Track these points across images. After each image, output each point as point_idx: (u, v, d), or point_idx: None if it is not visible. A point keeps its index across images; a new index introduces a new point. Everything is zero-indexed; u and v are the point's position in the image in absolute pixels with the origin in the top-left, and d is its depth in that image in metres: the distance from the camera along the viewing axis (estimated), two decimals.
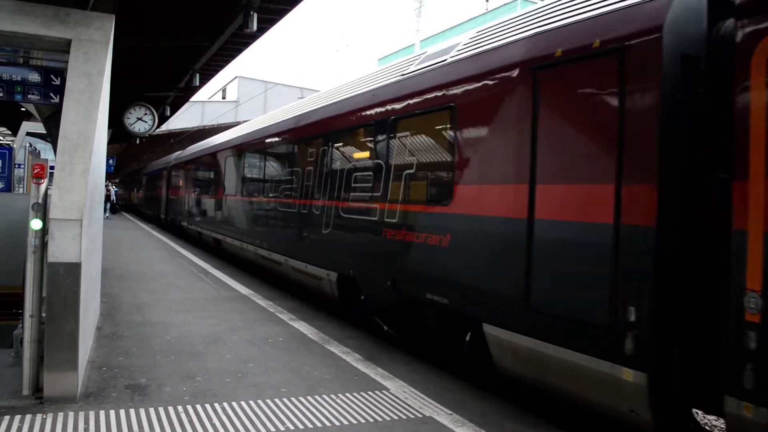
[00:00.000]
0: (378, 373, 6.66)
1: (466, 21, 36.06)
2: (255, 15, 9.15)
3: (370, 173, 8.31)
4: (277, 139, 12.53)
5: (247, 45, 12.23)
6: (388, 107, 7.99)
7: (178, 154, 28.39)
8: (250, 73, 74.36)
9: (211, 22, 10.55)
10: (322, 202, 9.70)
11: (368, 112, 8.51)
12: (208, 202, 19.15)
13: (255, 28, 9.33)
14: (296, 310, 10.13)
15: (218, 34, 10.77)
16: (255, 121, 16.95)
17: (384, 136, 7.99)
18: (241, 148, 15.36)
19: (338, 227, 9.13)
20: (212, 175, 19.21)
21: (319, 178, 9.98)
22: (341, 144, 9.53)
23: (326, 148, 9.82)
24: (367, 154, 8.57)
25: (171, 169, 27.95)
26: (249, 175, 14.72)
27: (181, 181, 25.16)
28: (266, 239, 12.60)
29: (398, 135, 7.75)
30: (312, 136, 10.55)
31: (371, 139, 8.40)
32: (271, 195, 12.49)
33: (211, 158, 19.03)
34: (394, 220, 7.51)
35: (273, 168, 12.95)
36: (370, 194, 8.21)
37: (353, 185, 8.78)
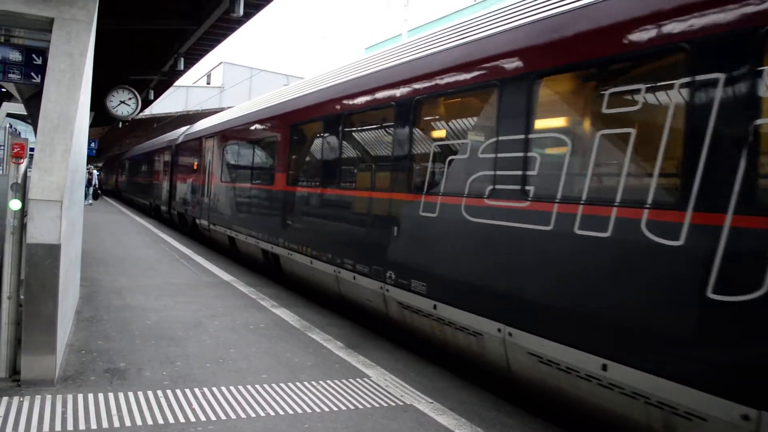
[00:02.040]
0: (359, 361, 6.67)
1: (454, 12, 36.00)
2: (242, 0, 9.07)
3: None
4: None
5: (233, 30, 12.12)
6: None
7: (186, 129, 22.50)
8: (235, 59, 73.97)
9: (197, 5, 10.44)
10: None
11: None
12: (258, 196, 12.48)
13: (241, 13, 9.25)
14: (278, 297, 10.10)
15: (204, 17, 10.65)
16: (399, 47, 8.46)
17: None
18: (368, 107, 8.28)
19: None
20: (266, 155, 12.48)
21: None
22: None
23: None
24: None
25: (179, 147, 21.66)
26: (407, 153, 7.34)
27: (197, 163, 18.33)
28: (434, 277, 6.56)
29: None
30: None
31: None
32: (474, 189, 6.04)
33: (263, 128, 12.54)
34: None
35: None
36: None
37: None
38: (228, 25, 11.65)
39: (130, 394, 5.18)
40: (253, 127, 13.19)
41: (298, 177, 10.72)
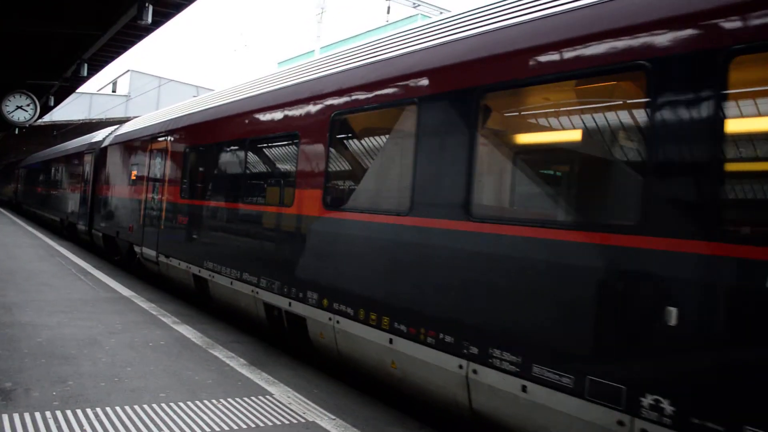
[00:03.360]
0: (262, 378, 6.58)
1: (366, 31, 36.50)
2: (150, 7, 8.83)
3: None
4: None
5: (140, 38, 11.80)
6: None
7: (116, 129, 18.16)
8: (143, 67, 71.78)
9: (103, 10, 10.08)
10: None
11: None
12: (261, 222, 8.38)
13: (150, 20, 9.01)
14: (180, 313, 9.82)
15: (110, 23, 10.31)
16: None
17: None
18: None
19: None
20: (277, 162, 8.86)
21: None
22: None
23: None
24: None
25: (106, 152, 17.20)
26: None
27: (137, 172, 13.93)
28: None
29: None
30: None
31: None
32: None
33: (271, 123, 8.43)
34: None
35: None
36: None
37: None
38: (136, 33, 11.33)
39: (15, 416, 4.89)
40: (247, 122, 9.05)
41: (353, 197, 6.91)
